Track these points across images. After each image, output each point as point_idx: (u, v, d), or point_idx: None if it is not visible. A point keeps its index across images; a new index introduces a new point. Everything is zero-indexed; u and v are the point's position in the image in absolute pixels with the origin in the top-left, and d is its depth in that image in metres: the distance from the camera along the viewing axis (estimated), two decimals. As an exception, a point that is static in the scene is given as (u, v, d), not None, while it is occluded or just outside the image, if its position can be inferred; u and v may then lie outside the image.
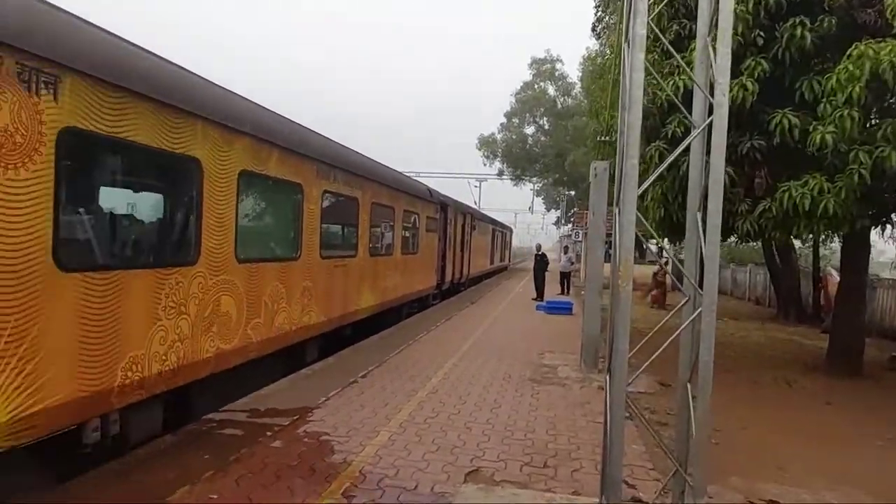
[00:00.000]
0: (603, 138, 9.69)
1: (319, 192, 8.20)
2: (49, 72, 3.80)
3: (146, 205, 5.53)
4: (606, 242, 8.81)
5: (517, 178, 46.56)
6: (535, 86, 43.51)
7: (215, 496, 4.06)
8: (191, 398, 5.80)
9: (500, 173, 46.37)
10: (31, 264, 3.69)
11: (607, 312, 4.77)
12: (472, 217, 23.27)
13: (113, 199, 5.01)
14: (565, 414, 6.46)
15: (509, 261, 44.97)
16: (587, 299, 9.10)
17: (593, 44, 23.64)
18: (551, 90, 43.46)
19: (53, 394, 3.88)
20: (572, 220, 43.46)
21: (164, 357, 4.98)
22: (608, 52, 12.16)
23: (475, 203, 39.64)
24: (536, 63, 43.22)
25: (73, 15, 4.23)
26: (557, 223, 61.64)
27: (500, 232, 36.37)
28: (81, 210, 4.45)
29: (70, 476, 4.33)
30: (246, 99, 6.65)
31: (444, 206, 17.52)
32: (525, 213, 63.51)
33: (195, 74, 5.71)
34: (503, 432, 5.73)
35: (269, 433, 5.36)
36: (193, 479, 4.31)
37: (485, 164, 45.99)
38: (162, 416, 5.35)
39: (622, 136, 3.73)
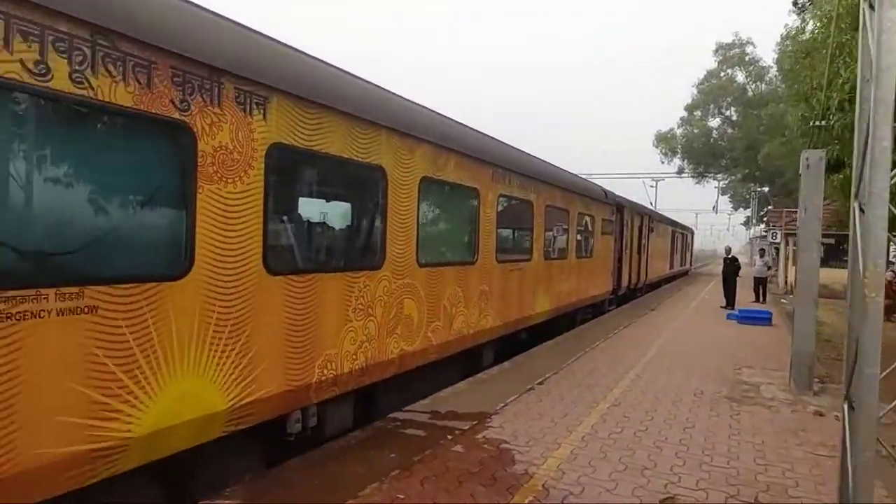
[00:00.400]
0: (818, 123, 8.33)
1: (495, 195, 8.19)
2: (259, 94, 4.19)
3: (338, 212, 5.91)
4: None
5: (699, 176, 43.05)
6: (721, 73, 39.87)
7: (402, 496, 4.14)
8: (376, 396, 6.09)
9: (680, 171, 43.20)
10: (246, 268, 4.09)
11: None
12: (649, 218, 21.88)
13: (310, 207, 5.42)
14: (775, 441, 5.62)
15: (691, 265, 41.60)
16: (798, 309, 7.91)
17: (793, 20, 20.85)
18: (740, 77, 39.55)
19: (264, 386, 4.26)
20: (766, 219, 38.93)
21: (354, 356, 5.26)
22: (817, 25, 10.53)
23: (651, 204, 37.25)
24: (723, 49, 39.62)
25: (274, 39, 4.64)
26: (747, 223, 55.72)
27: (681, 234, 33.77)
28: (285, 219, 4.87)
29: (277, 461, 4.75)
30: (425, 108, 6.84)
31: (620, 207, 16.67)
32: (708, 214, 58.60)
33: (379, 87, 5.99)
34: (700, 456, 5.13)
35: (449, 436, 5.40)
36: (381, 475, 4.45)
37: (662, 163, 43.21)
38: (352, 412, 5.67)
39: (863, 115, 3.08)
